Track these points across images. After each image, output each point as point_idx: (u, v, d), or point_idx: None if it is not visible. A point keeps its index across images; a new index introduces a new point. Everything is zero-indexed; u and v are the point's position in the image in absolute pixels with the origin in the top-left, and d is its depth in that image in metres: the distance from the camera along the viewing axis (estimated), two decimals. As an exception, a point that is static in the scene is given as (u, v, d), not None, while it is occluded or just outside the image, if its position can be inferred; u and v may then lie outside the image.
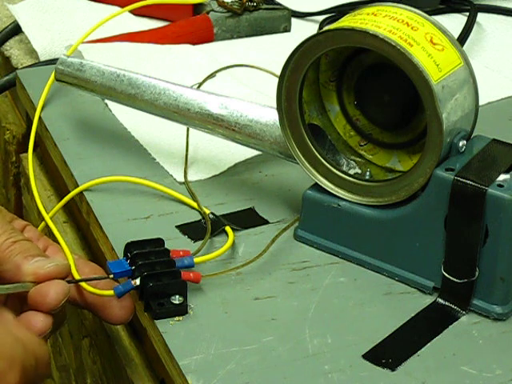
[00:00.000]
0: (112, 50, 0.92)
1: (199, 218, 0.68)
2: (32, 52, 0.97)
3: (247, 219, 0.68)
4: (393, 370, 0.54)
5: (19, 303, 0.58)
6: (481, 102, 0.63)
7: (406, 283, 0.61)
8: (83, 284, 0.58)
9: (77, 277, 0.59)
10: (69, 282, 0.57)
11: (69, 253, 0.61)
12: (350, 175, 0.64)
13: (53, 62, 0.90)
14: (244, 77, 0.90)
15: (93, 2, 1.07)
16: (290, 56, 0.62)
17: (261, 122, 0.69)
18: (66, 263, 0.57)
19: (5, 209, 0.63)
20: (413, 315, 0.59)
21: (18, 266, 0.56)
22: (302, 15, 1.09)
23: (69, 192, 0.72)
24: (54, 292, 0.55)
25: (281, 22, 1.05)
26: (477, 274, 0.58)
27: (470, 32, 1.01)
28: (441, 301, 0.59)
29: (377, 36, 0.58)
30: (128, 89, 0.73)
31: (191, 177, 0.73)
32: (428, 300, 0.60)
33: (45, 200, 0.83)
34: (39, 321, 0.55)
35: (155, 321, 0.57)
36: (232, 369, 0.54)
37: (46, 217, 0.69)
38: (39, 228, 0.69)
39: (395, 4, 0.62)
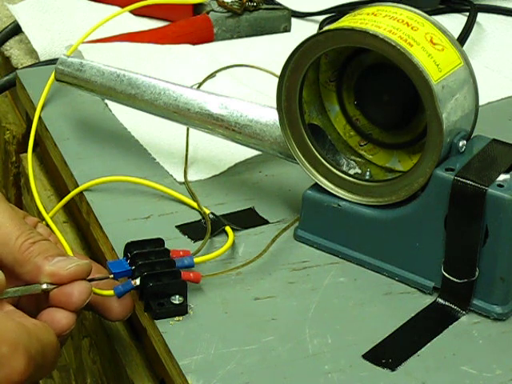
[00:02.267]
0: (112, 50, 0.92)
1: (199, 218, 0.68)
2: (32, 52, 0.97)
3: (247, 219, 0.68)
4: (393, 369, 0.54)
5: (34, 303, 0.57)
6: (481, 102, 0.63)
7: (406, 283, 0.61)
8: None
9: None
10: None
11: (70, 252, 0.61)
12: (350, 175, 0.64)
13: (53, 62, 0.90)
14: (244, 77, 0.90)
15: (93, 2, 1.07)
16: (290, 56, 0.62)
17: (261, 122, 0.69)
18: (88, 262, 0.57)
19: (15, 206, 0.63)
20: (413, 315, 0.59)
21: (38, 268, 0.55)
22: (302, 15, 1.09)
23: (69, 192, 0.72)
24: (78, 292, 0.55)
25: (281, 22, 1.05)
26: (477, 274, 0.58)
27: (470, 32, 1.01)
28: (441, 301, 0.59)
29: (377, 36, 0.58)
30: (128, 89, 0.73)
31: (191, 177, 0.73)
32: (428, 300, 0.60)
33: (45, 200, 0.83)
34: (63, 317, 0.54)
35: (155, 321, 0.57)
36: (232, 369, 0.54)
37: (46, 217, 0.69)
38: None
39: (395, 4, 0.62)
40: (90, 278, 0.59)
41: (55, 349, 0.53)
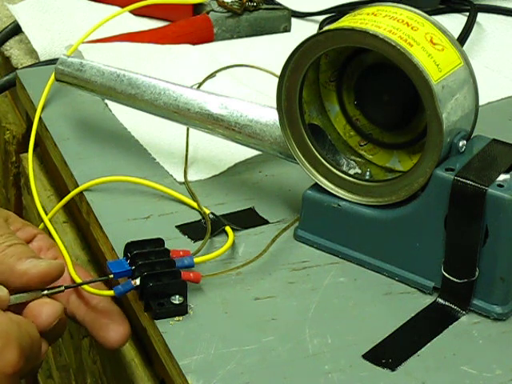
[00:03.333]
0: (112, 50, 0.92)
1: (199, 218, 0.68)
2: (32, 52, 0.98)
3: (247, 219, 0.68)
4: (393, 370, 0.54)
5: None
6: (481, 102, 0.63)
7: (406, 283, 0.61)
8: (85, 285, 0.58)
9: (77, 280, 0.59)
10: (67, 287, 0.57)
11: (68, 257, 0.61)
12: (350, 175, 0.64)
13: (53, 62, 0.90)
14: (244, 77, 0.90)
15: (93, 2, 1.07)
16: (290, 56, 0.62)
17: (261, 122, 0.69)
18: (60, 262, 0.57)
19: (15, 215, 0.63)
20: (413, 315, 0.59)
21: (11, 268, 0.56)
22: (302, 15, 1.09)
23: (69, 192, 0.72)
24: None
25: (281, 22, 1.05)
26: (477, 274, 0.58)
27: (470, 32, 1.02)
28: (441, 301, 0.59)
29: (377, 36, 0.58)
30: (128, 89, 0.73)
31: (191, 177, 0.73)
32: (428, 300, 0.60)
33: (45, 200, 0.83)
34: (48, 312, 0.55)
35: (155, 321, 0.57)
36: (232, 369, 0.54)
37: (45, 218, 0.69)
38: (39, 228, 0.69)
39: (395, 4, 0.62)
40: (89, 279, 0.59)
41: (39, 344, 0.54)
